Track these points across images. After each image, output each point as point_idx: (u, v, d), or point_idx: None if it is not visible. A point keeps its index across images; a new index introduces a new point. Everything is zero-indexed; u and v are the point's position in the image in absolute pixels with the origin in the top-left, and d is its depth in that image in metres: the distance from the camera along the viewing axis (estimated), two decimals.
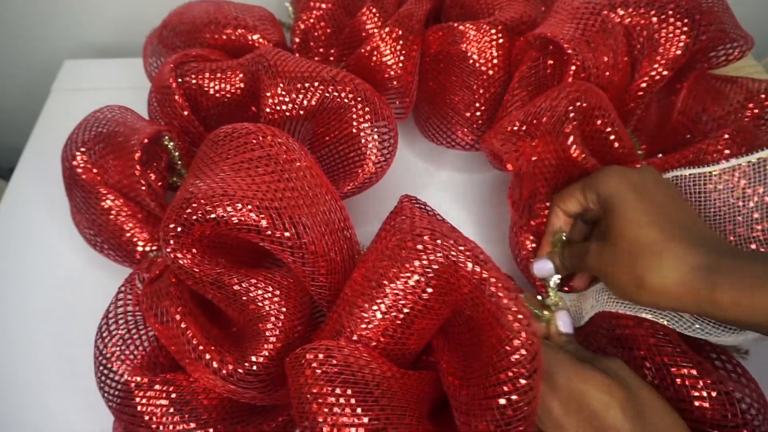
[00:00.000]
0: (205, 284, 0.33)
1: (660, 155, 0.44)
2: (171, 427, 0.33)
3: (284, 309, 0.33)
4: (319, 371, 0.28)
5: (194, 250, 0.33)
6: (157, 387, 0.33)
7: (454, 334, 0.34)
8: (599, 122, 0.38)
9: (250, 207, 0.31)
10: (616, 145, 0.38)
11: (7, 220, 0.50)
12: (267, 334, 0.32)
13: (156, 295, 0.34)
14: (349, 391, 0.28)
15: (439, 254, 0.31)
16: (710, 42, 0.42)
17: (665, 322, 0.33)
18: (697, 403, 0.30)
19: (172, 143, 0.41)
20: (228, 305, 0.34)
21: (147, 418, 0.33)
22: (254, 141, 0.34)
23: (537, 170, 0.37)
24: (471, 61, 0.45)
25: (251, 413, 0.35)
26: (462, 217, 0.48)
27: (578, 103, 0.37)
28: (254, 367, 0.31)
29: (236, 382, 0.32)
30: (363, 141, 0.41)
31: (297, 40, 0.52)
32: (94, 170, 0.41)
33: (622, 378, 0.29)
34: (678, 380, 0.31)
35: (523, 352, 0.27)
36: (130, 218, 0.41)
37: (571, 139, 0.37)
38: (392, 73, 0.46)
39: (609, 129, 0.38)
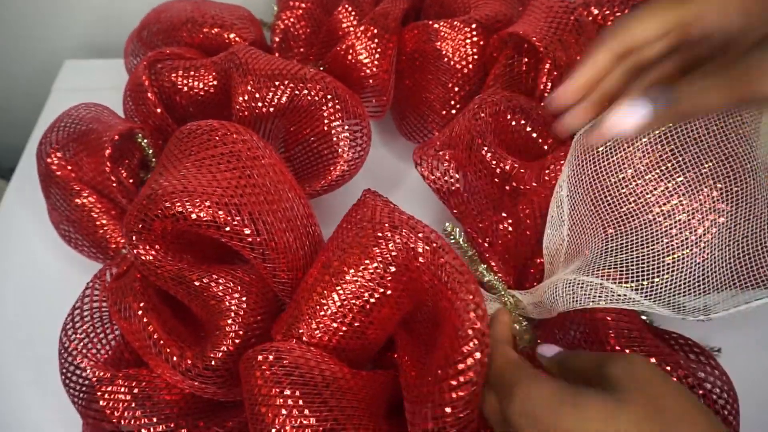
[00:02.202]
0: (167, 280, 0.34)
1: None
2: (132, 421, 0.33)
3: (244, 305, 0.33)
4: (268, 373, 0.28)
5: (157, 246, 0.33)
6: (119, 382, 0.33)
7: (416, 329, 0.34)
8: (513, 121, 0.39)
9: (208, 203, 0.31)
10: (529, 130, 0.40)
11: (7, 220, 0.50)
12: (226, 329, 0.33)
13: (121, 290, 0.35)
14: (297, 393, 0.28)
15: (398, 241, 0.31)
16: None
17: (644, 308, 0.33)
18: None
19: (145, 141, 0.42)
20: (191, 301, 0.34)
21: (109, 412, 0.33)
22: (217, 138, 0.34)
23: (453, 190, 0.38)
24: (446, 59, 0.45)
25: (214, 409, 0.35)
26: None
27: (482, 115, 0.38)
28: (213, 363, 0.32)
29: (195, 377, 0.32)
30: (334, 139, 0.42)
31: (277, 39, 0.52)
32: (69, 167, 0.41)
33: (632, 388, 0.22)
34: None
35: (474, 343, 0.27)
36: (103, 215, 0.41)
37: (485, 150, 0.37)
38: (368, 71, 0.46)
39: (523, 123, 0.39)
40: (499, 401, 0.27)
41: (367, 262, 0.31)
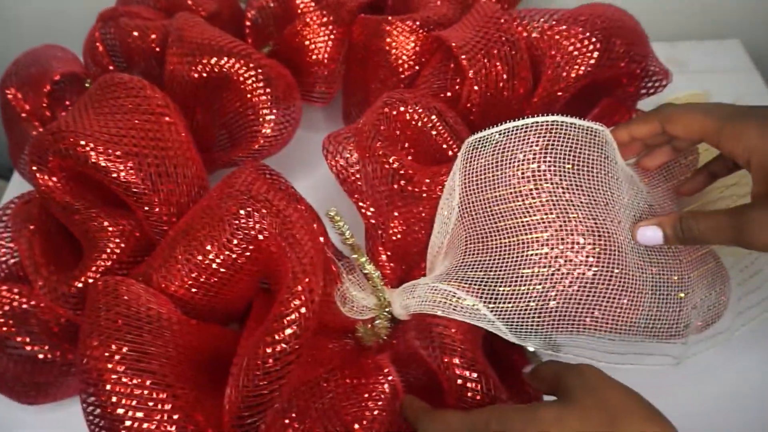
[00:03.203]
0: (58, 209, 0.37)
1: None
2: (6, 330, 0.37)
3: (117, 249, 0.36)
4: (102, 299, 0.31)
5: (54, 178, 0.37)
6: (2, 293, 0.37)
7: (271, 296, 0.35)
8: (420, 122, 0.39)
9: (100, 148, 0.34)
10: (434, 134, 0.40)
11: None
12: (93, 263, 0.35)
13: (22, 213, 0.39)
14: (119, 322, 0.30)
15: (252, 212, 0.33)
16: (622, 71, 0.41)
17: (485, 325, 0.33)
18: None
19: None
20: (76, 232, 0.38)
21: None
22: (126, 91, 0.37)
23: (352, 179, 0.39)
24: (386, 55, 0.46)
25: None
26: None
27: (386, 110, 0.38)
28: (70, 289, 0.35)
29: (54, 299, 0.35)
30: (258, 113, 0.44)
31: (249, 15, 0.55)
32: (24, 100, 0.46)
33: (582, 393, 0.26)
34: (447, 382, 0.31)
35: (297, 302, 0.29)
36: None
37: (379, 144, 0.38)
38: (314, 57, 0.48)
39: (430, 126, 0.39)
40: None
41: (221, 227, 0.33)
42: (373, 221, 0.41)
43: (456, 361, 0.31)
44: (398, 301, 0.38)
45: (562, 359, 0.33)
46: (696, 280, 0.37)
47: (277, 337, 0.28)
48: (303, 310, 0.29)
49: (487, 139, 0.37)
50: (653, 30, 0.44)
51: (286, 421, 0.33)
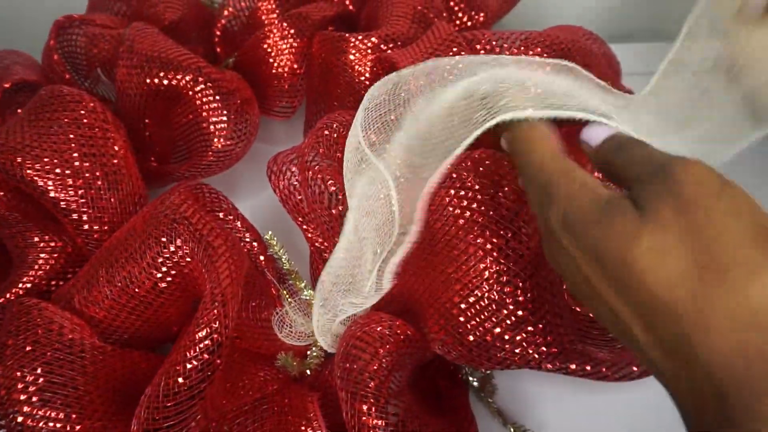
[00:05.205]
0: None
1: None
2: None
3: (46, 265, 0.36)
4: (14, 323, 0.30)
5: None
6: None
7: None
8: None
9: (21, 159, 0.34)
10: None
11: None
12: (23, 278, 0.35)
13: None
14: (27, 348, 0.30)
15: (176, 236, 0.32)
16: None
17: None
18: None
19: None
20: (8, 246, 0.37)
21: None
22: (62, 104, 0.37)
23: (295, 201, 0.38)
24: (344, 72, 0.45)
25: None
26: None
27: (326, 132, 0.37)
28: None
29: None
30: (209, 127, 0.43)
31: (219, 24, 0.54)
32: None
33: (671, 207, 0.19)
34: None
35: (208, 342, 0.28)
36: None
37: (317, 167, 0.37)
38: (275, 71, 0.47)
39: None
40: (536, 203, 0.24)
41: (142, 250, 0.32)
42: (317, 245, 0.40)
43: (365, 408, 0.29)
44: (319, 330, 0.37)
45: None
46: None
47: (178, 368, 0.28)
48: (207, 342, 0.28)
49: None
50: (652, 30, 0.42)
51: None
